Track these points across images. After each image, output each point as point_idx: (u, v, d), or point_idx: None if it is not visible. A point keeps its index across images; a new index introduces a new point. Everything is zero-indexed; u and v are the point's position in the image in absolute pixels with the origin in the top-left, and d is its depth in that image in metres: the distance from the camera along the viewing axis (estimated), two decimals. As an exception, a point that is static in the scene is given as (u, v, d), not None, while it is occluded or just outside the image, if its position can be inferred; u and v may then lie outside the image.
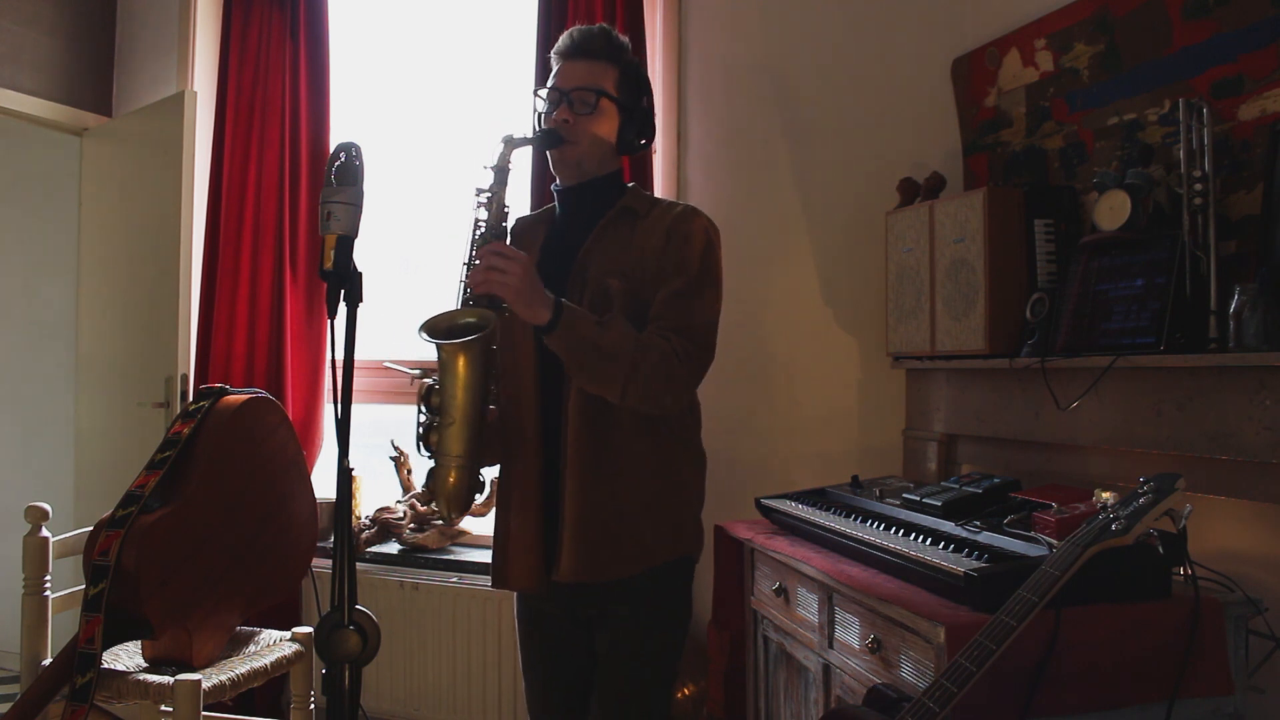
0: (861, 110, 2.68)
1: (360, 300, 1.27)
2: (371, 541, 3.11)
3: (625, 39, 1.70)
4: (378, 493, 3.31)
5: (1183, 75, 1.86)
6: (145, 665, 2.00)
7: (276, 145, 3.27)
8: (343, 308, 1.26)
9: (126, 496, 1.94)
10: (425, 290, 3.51)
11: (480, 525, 3.17)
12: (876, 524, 1.88)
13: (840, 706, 1.78)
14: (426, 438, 1.52)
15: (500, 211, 1.57)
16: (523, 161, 3.02)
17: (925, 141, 2.55)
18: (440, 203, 3.47)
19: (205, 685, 1.86)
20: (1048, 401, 1.94)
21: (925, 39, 2.57)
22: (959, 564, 1.53)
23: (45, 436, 3.95)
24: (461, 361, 1.47)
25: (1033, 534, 1.58)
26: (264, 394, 2.19)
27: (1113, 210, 1.84)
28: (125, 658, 2.05)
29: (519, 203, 3.13)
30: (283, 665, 2.11)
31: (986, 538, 1.62)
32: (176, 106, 3.17)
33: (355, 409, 1.25)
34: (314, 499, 2.27)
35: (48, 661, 1.95)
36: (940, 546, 1.65)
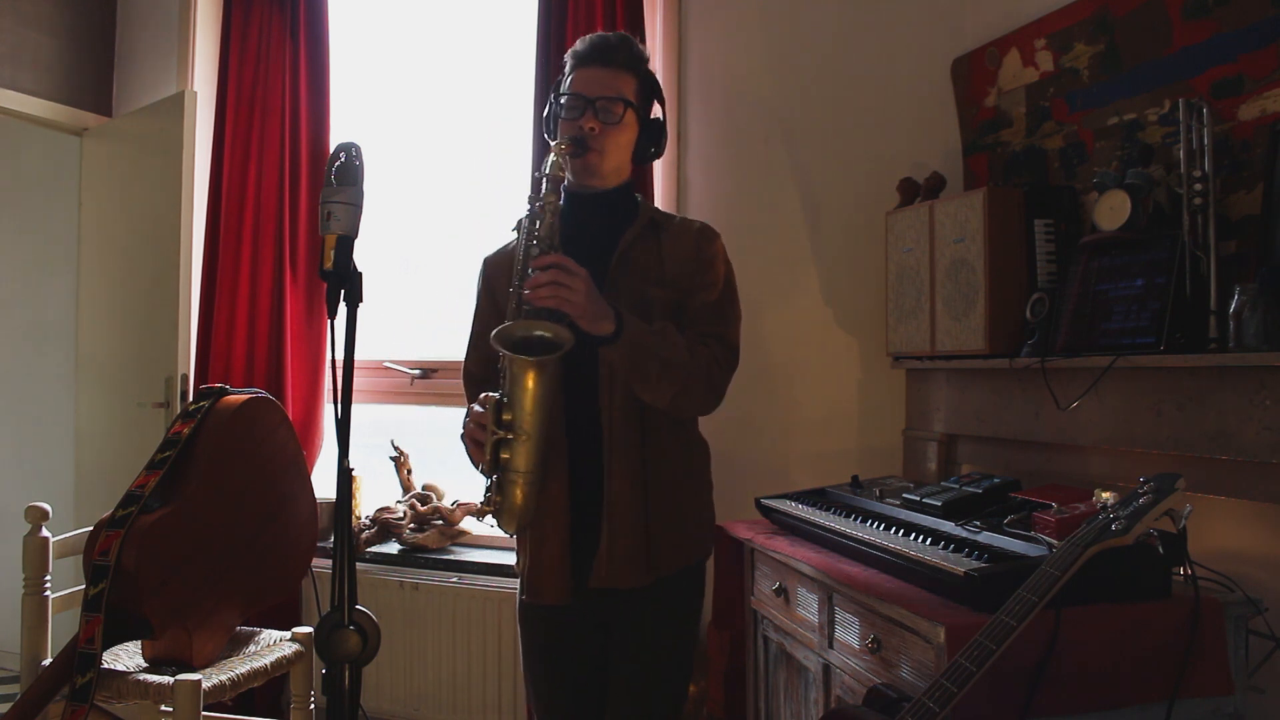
0: (861, 110, 2.68)
1: (360, 300, 1.27)
2: (371, 541, 3.11)
3: (644, 49, 1.71)
4: (378, 493, 3.31)
5: (1183, 75, 1.86)
6: (145, 665, 2.00)
7: (276, 145, 3.27)
8: (343, 308, 1.26)
9: (126, 496, 1.94)
10: (425, 290, 3.51)
11: (480, 525, 3.17)
12: (876, 524, 1.88)
13: (840, 706, 1.78)
14: (496, 455, 1.47)
15: (554, 220, 1.53)
16: (522, 157, 3.02)
17: (925, 141, 2.55)
18: (440, 203, 3.48)
19: (205, 685, 1.87)
20: (1048, 401, 1.94)
21: (925, 39, 2.57)
22: (959, 564, 1.53)
23: (45, 436, 3.95)
24: (534, 377, 1.45)
25: (1033, 534, 1.58)
26: (264, 394, 2.19)
27: (1113, 210, 1.84)
28: (125, 658, 2.05)
29: (518, 201, 3.13)
30: (283, 665, 2.11)
31: (986, 538, 1.62)
32: (176, 106, 3.18)
33: (355, 409, 1.25)
34: (314, 499, 2.28)
35: (48, 661, 1.95)
36: (940, 546, 1.65)
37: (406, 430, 3.31)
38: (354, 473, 1.61)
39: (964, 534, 1.66)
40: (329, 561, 2.44)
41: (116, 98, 3.69)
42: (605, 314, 1.47)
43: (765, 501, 2.25)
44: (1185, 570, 1.47)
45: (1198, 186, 1.71)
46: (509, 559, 2.72)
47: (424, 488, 3.22)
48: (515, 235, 1.60)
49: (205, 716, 1.91)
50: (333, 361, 1.25)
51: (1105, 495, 1.58)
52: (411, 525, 3.11)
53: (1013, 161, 2.32)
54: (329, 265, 1.24)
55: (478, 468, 1.53)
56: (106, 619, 1.83)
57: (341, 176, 1.25)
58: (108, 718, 1.97)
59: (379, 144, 3.36)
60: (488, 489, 1.51)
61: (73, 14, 3.53)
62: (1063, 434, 1.97)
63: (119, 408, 3.37)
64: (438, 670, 2.97)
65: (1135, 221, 1.80)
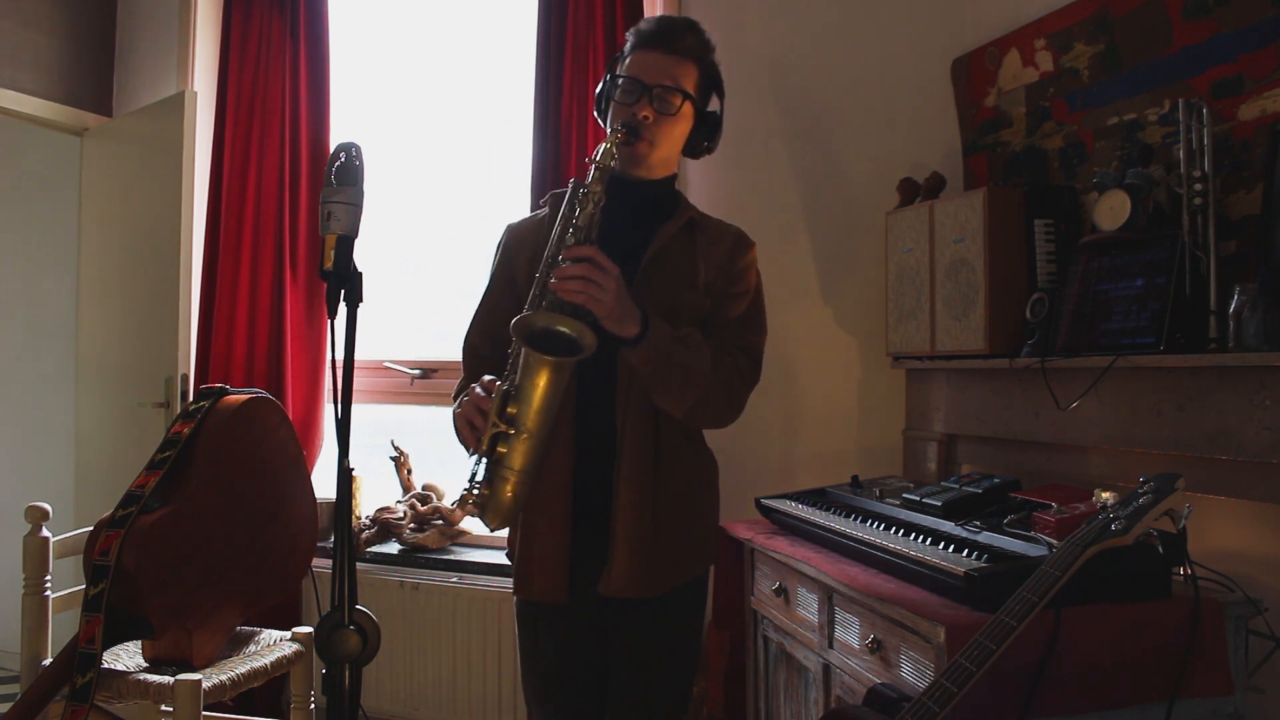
0: (861, 110, 2.68)
1: (360, 300, 1.26)
2: (371, 541, 3.11)
3: (710, 38, 1.62)
4: (378, 493, 3.31)
5: (1183, 75, 1.86)
6: (145, 665, 2.00)
7: (276, 145, 3.27)
8: (343, 308, 1.25)
9: (126, 496, 1.94)
10: (425, 290, 3.51)
11: (481, 525, 3.16)
12: (876, 524, 1.88)
13: (840, 706, 1.78)
14: (494, 446, 1.42)
15: (595, 212, 1.45)
16: (523, 159, 3.02)
17: (925, 141, 2.55)
18: (440, 204, 3.48)
19: (205, 685, 1.86)
20: (1048, 401, 1.94)
21: (925, 39, 2.57)
22: (959, 564, 1.53)
23: (45, 436, 3.95)
24: (548, 376, 1.40)
25: (1033, 534, 1.58)
26: (264, 394, 2.19)
27: (1113, 210, 1.84)
28: (125, 658, 2.05)
29: (518, 202, 3.13)
30: (283, 665, 2.11)
31: (986, 538, 1.62)
32: (176, 106, 3.18)
33: (355, 409, 1.25)
34: (314, 499, 2.27)
35: (48, 661, 1.95)
36: (940, 546, 1.65)
37: (406, 430, 3.31)
38: (354, 473, 1.59)
39: (964, 534, 1.66)
40: (329, 561, 2.44)
41: (116, 98, 3.69)
42: (632, 315, 1.42)
43: (765, 501, 2.25)
44: (1185, 570, 1.47)
45: (1198, 186, 1.71)
46: (509, 559, 2.72)
47: (424, 488, 3.22)
48: (546, 210, 1.55)
49: (205, 716, 1.90)
50: (333, 361, 1.25)
51: (1105, 495, 1.58)
52: (411, 525, 3.11)
53: (1013, 161, 2.32)
54: (329, 265, 1.24)
55: (468, 450, 1.46)
56: (106, 619, 1.83)
57: (341, 176, 1.25)
58: (108, 718, 1.97)
59: (379, 144, 3.37)
60: (473, 478, 1.44)
61: (73, 14, 3.53)
62: (1063, 434, 1.97)
63: (119, 408, 3.37)
64: (438, 670, 2.97)
65: (1135, 221, 1.80)
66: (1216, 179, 1.73)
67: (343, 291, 1.25)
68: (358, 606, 1.24)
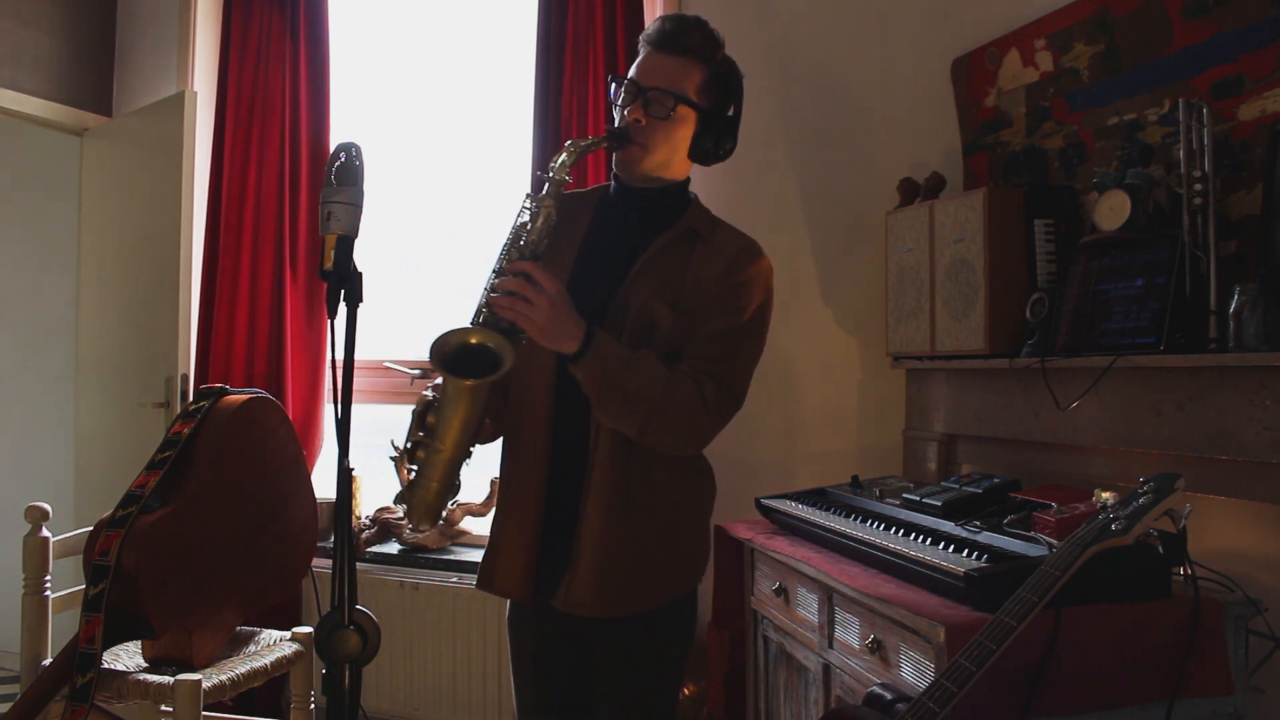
0: (861, 110, 2.68)
1: (360, 300, 1.26)
2: (371, 541, 3.11)
3: (720, 35, 1.57)
4: (378, 493, 3.30)
5: (1183, 75, 1.86)
6: (145, 665, 2.00)
7: (276, 145, 3.27)
8: (343, 308, 1.25)
9: (126, 496, 1.94)
10: (425, 290, 3.51)
11: (480, 525, 3.17)
12: (876, 524, 1.88)
13: (840, 706, 1.78)
14: (414, 452, 1.47)
15: (546, 226, 1.43)
16: (522, 157, 3.02)
17: (925, 141, 2.55)
18: (440, 203, 3.48)
19: (205, 685, 1.86)
20: (1048, 401, 1.94)
21: (925, 39, 2.56)
22: (959, 564, 1.53)
23: (45, 436, 3.95)
24: (466, 397, 1.41)
25: (1033, 534, 1.58)
26: (264, 394, 2.19)
27: (1113, 210, 1.84)
28: (125, 658, 2.05)
29: (518, 200, 3.13)
30: (283, 665, 2.11)
31: (986, 538, 1.62)
32: (176, 106, 3.17)
33: (355, 409, 1.25)
34: (314, 499, 2.27)
35: (48, 661, 1.95)
36: (940, 546, 1.65)
37: (406, 430, 3.30)
38: (354, 473, 1.60)
39: (964, 534, 1.66)
40: (329, 561, 2.45)
41: (116, 98, 3.68)
42: (570, 333, 1.37)
43: (765, 501, 2.25)
44: (1185, 570, 1.47)
45: (1198, 186, 1.71)
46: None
47: (424, 488, 3.21)
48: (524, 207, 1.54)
49: (205, 716, 1.90)
50: (333, 361, 1.24)
51: (1105, 495, 1.58)
52: (411, 525, 3.11)
53: (1013, 161, 2.32)
54: (329, 265, 1.24)
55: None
56: (106, 619, 1.83)
57: (341, 176, 1.24)
58: (108, 718, 1.97)
59: (379, 144, 3.37)
60: (407, 487, 1.50)
61: (73, 14, 3.53)
62: (1063, 434, 1.97)
63: (119, 408, 3.36)
64: (438, 670, 2.97)
65: (1135, 221, 1.80)
66: (1216, 179, 1.73)
67: (343, 291, 1.24)
68: (358, 606, 1.24)
